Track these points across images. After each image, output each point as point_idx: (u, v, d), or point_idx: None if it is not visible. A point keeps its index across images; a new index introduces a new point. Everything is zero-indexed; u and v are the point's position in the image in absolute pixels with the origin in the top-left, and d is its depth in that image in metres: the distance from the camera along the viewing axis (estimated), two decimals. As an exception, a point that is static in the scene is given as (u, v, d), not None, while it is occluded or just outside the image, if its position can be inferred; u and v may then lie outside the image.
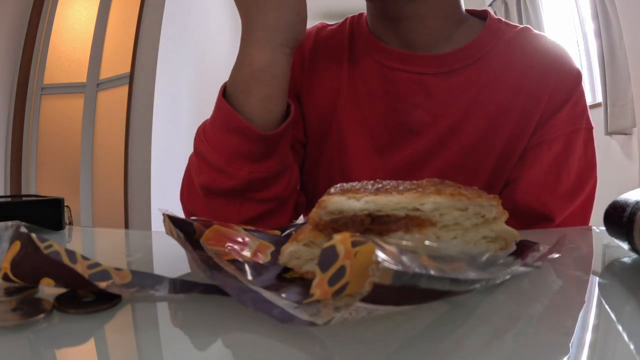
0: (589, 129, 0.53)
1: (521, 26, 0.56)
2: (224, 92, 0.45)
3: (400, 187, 0.27)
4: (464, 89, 0.53)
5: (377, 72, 0.55)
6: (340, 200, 0.25)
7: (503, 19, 0.57)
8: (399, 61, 0.54)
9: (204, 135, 0.46)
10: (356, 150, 0.55)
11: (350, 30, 0.59)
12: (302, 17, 0.43)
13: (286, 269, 0.28)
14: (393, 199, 0.25)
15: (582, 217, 0.53)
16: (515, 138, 0.52)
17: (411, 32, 0.54)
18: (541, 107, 0.52)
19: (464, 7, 0.56)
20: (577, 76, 0.54)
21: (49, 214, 0.52)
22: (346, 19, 0.61)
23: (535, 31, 0.56)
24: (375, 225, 0.25)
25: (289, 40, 0.43)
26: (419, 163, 0.54)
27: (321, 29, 0.61)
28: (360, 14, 0.61)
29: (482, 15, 0.58)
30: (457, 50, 0.53)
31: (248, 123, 0.42)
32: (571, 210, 0.52)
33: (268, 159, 0.44)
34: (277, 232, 0.36)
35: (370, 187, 0.28)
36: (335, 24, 0.62)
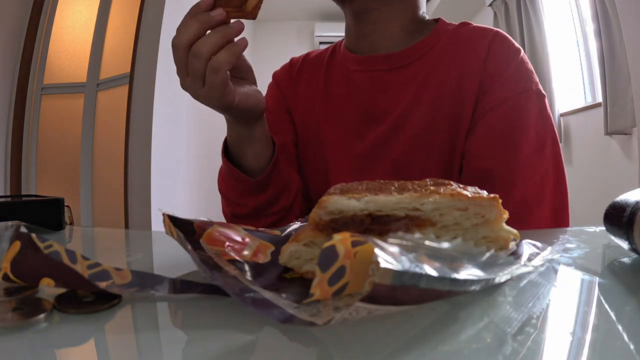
0: (541, 94, 0.56)
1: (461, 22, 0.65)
2: (227, 145, 0.58)
3: (396, 185, 0.27)
4: (412, 79, 0.62)
5: (344, 77, 0.67)
6: (340, 200, 0.25)
7: (454, 23, 0.65)
8: (360, 64, 0.66)
9: (221, 179, 0.61)
10: (333, 140, 0.66)
11: (332, 50, 0.73)
12: (249, 107, 0.50)
13: (286, 269, 0.28)
14: (393, 199, 0.25)
15: (557, 172, 0.54)
16: (459, 109, 0.57)
17: (376, 36, 0.65)
18: (477, 74, 0.57)
19: (426, 15, 0.67)
20: (516, 49, 0.59)
21: (49, 214, 0.52)
22: (333, 44, 0.75)
23: (475, 24, 0.64)
24: (375, 225, 0.25)
25: (252, 120, 0.53)
26: (384, 144, 0.63)
27: (310, 53, 0.76)
28: (343, 39, 0.74)
29: (437, 21, 0.67)
30: (407, 49, 0.63)
31: (243, 175, 0.56)
32: (542, 169, 0.53)
33: (266, 190, 0.58)
34: (277, 232, 0.37)
35: (370, 187, 0.28)
36: (323, 49, 0.76)
